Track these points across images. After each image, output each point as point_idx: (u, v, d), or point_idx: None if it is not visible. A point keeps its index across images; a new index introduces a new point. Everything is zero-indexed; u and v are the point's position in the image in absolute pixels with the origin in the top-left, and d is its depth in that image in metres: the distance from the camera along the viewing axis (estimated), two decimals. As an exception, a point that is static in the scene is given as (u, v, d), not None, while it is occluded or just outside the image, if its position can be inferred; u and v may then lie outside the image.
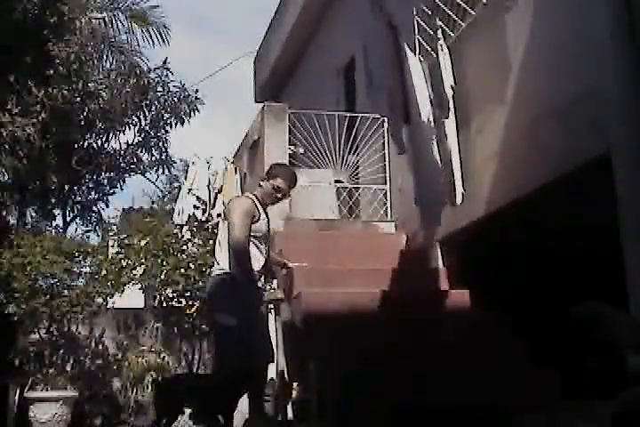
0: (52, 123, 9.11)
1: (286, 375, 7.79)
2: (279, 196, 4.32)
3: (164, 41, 10.79)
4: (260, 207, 4.25)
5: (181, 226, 8.30)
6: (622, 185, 3.65)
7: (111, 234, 9.12)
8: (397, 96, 5.18)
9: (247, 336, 4.06)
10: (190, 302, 7.35)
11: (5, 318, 7.51)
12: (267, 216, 4.33)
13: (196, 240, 7.32)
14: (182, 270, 6.95)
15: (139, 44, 10.75)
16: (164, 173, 11.56)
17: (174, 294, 7.29)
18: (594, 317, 3.63)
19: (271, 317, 9.12)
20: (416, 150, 5.30)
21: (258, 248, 4.24)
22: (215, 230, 7.08)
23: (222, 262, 4.20)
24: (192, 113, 10.82)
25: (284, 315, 7.59)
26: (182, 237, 7.62)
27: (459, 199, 4.93)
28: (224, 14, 37.59)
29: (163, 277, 7.16)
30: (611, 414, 3.61)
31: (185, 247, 7.27)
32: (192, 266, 6.99)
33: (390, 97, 5.23)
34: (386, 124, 6.84)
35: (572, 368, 4.50)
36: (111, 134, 10.69)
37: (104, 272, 7.63)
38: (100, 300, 7.79)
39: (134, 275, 7.51)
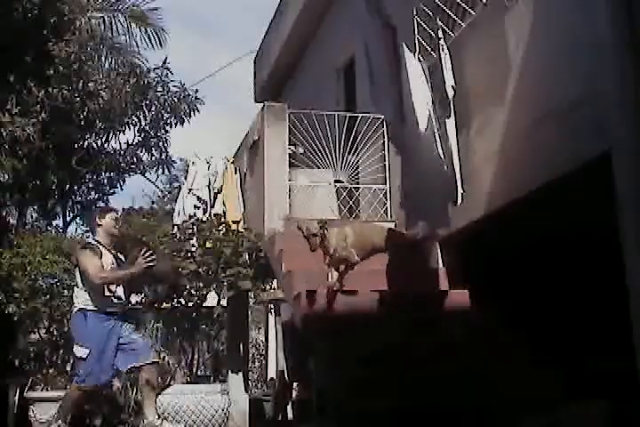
0: (52, 123, 9.11)
1: (286, 375, 7.81)
2: (119, 223, 5.39)
3: (161, 44, 10.83)
4: (101, 248, 5.18)
5: (179, 226, 8.29)
6: (622, 185, 3.65)
7: (111, 234, 9.10)
8: (393, 96, 5.17)
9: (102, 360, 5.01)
10: (189, 302, 7.36)
11: (5, 318, 7.51)
12: (111, 250, 5.27)
13: (194, 240, 7.31)
14: (180, 270, 6.94)
15: (137, 46, 10.77)
16: (163, 172, 11.57)
17: (174, 294, 7.28)
18: None
19: (271, 317, 9.12)
20: (415, 150, 5.30)
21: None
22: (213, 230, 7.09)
23: (79, 300, 5.12)
24: (192, 113, 10.82)
25: (284, 315, 7.60)
26: (180, 237, 7.60)
27: (459, 199, 4.93)
28: (222, 14, 37.59)
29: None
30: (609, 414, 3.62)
31: (182, 247, 7.25)
32: (191, 266, 6.98)
33: (386, 97, 5.23)
34: (386, 124, 6.83)
35: (573, 368, 4.51)
36: (111, 134, 10.69)
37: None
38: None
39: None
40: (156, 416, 5.04)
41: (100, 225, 5.30)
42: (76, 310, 5.15)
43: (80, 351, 5.03)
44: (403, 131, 5.30)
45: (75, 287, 5.26)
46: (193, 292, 7.10)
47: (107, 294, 5.07)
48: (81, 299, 5.11)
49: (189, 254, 6.96)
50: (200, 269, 6.80)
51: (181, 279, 6.22)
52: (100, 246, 5.19)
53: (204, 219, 7.88)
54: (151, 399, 5.08)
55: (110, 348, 5.04)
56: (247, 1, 35.84)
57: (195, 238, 7.26)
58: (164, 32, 10.83)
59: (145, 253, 5.09)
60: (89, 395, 5.15)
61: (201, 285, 6.94)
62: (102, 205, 11.09)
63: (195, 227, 7.33)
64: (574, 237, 5.01)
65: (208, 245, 6.92)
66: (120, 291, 5.19)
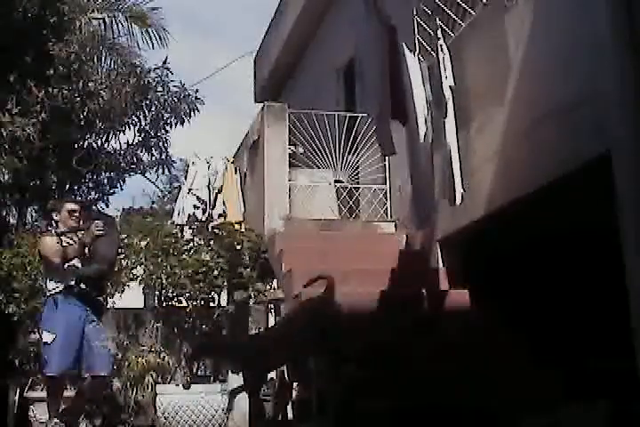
0: (52, 123, 9.10)
1: (286, 375, 7.80)
2: (76, 215, 5.38)
3: (162, 44, 10.81)
4: (61, 238, 5.24)
5: (182, 226, 8.30)
6: (622, 185, 3.65)
7: (111, 234, 9.09)
8: (387, 96, 5.15)
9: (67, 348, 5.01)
10: (190, 302, 7.36)
11: (5, 318, 7.50)
12: (75, 236, 5.31)
13: (197, 240, 7.32)
14: (183, 270, 6.94)
15: (139, 47, 10.75)
16: (163, 173, 11.53)
17: (174, 294, 7.29)
18: None
19: (271, 317, 9.12)
20: (414, 150, 5.29)
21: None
22: (215, 231, 7.10)
23: (48, 289, 5.19)
24: (192, 113, 10.81)
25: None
26: (183, 237, 7.62)
27: (458, 199, 4.93)
28: (222, 14, 37.58)
29: (163, 277, 7.16)
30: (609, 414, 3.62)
31: (186, 247, 7.27)
32: (194, 266, 6.98)
33: (378, 97, 5.21)
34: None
35: (573, 368, 4.51)
36: (111, 134, 10.67)
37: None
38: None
39: (134, 275, 7.51)
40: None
41: (57, 222, 5.44)
42: (45, 298, 5.26)
43: (47, 337, 5.02)
44: (392, 131, 5.27)
45: (45, 281, 5.36)
46: (197, 293, 7.11)
47: (66, 267, 5.16)
48: (50, 287, 5.20)
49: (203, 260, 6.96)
50: (204, 269, 6.81)
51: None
52: (62, 236, 5.28)
53: (204, 219, 7.89)
54: (73, 404, 5.19)
55: (76, 339, 5.05)
56: (247, 1, 35.84)
57: (199, 239, 7.27)
58: (165, 32, 10.82)
59: (97, 223, 5.19)
60: (62, 385, 5.16)
61: (202, 285, 6.94)
62: (102, 204, 11.11)
63: (196, 227, 7.35)
64: (574, 237, 5.01)
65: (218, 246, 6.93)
66: (77, 262, 5.25)
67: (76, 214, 5.40)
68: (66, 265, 5.16)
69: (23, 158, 8.78)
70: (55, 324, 5.05)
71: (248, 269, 6.72)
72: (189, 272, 6.90)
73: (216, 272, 6.80)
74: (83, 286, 5.15)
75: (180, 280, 6.92)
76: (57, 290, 5.14)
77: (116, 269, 6.82)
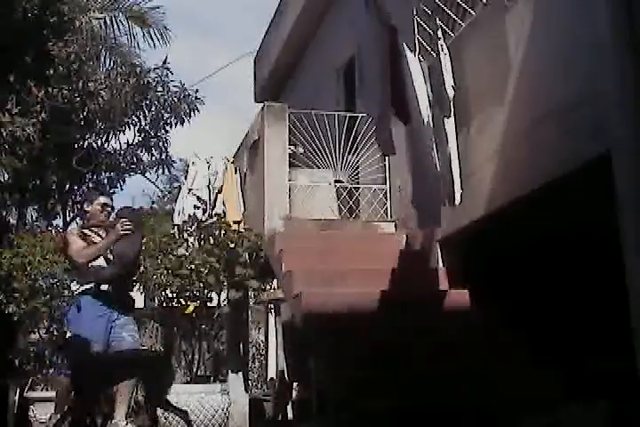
0: (52, 123, 9.11)
1: (286, 375, 7.82)
2: (108, 209, 5.33)
3: (164, 42, 10.81)
4: (87, 232, 5.19)
5: (179, 226, 8.29)
6: (622, 185, 3.65)
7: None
8: (387, 96, 5.14)
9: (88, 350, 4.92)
10: (187, 303, 7.36)
11: (5, 318, 7.51)
12: (101, 232, 5.20)
13: (191, 240, 7.32)
14: (175, 271, 6.93)
15: (139, 46, 10.76)
16: (163, 173, 11.57)
17: (173, 295, 7.29)
18: None
19: (271, 317, 9.14)
20: (415, 150, 5.30)
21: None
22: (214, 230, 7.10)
23: (75, 289, 5.29)
24: (192, 113, 10.82)
25: (284, 315, 7.60)
26: (180, 237, 7.62)
27: (457, 199, 4.93)
28: (222, 14, 37.60)
29: (161, 277, 7.16)
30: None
31: (179, 247, 7.26)
32: (186, 266, 6.97)
33: (378, 97, 5.21)
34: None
35: (573, 368, 4.51)
36: (111, 134, 10.69)
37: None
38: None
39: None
40: (124, 417, 5.00)
41: (87, 212, 5.37)
42: (70, 298, 5.32)
43: (70, 337, 5.02)
44: (392, 131, 5.26)
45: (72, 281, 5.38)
46: (196, 293, 7.10)
47: (90, 267, 5.06)
48: (74, 288, 5.27)
49: (184, 257, 6.95)
50: (201, 269, 6.80)
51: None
52: (87, 231, 5.20)
53: (204, 219, 7.89)
54: (124, 402, 5.06)
55: (99, 340, 4.95)
56: (247, 1, 35.89)
57: (193, 238, 7.26)
58: (167, 30, 10.82)
59: (124, 222, 5.01)
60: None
61: (202, 285, 6.94)
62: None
63: (195, 226, 7.34)
64: (574, 237, 5.01)
65: (208, 245, 6.92)
66: (101, 261, 5.12)
67: (108, 209, 5.33)
68: (90, 265, 5.04)
69: (23, 158, 8.79)
70: (78, 325, 4.99)
71: (247, 269, 6.72)
72: (180, 271, 6.90)
73: (205, 271, 6.78)
74: (105, 287, 5.04)
75: (169, 278, 6.92)
76: (79, 291, 5.10)
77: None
